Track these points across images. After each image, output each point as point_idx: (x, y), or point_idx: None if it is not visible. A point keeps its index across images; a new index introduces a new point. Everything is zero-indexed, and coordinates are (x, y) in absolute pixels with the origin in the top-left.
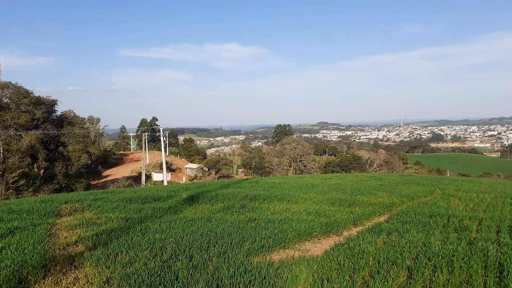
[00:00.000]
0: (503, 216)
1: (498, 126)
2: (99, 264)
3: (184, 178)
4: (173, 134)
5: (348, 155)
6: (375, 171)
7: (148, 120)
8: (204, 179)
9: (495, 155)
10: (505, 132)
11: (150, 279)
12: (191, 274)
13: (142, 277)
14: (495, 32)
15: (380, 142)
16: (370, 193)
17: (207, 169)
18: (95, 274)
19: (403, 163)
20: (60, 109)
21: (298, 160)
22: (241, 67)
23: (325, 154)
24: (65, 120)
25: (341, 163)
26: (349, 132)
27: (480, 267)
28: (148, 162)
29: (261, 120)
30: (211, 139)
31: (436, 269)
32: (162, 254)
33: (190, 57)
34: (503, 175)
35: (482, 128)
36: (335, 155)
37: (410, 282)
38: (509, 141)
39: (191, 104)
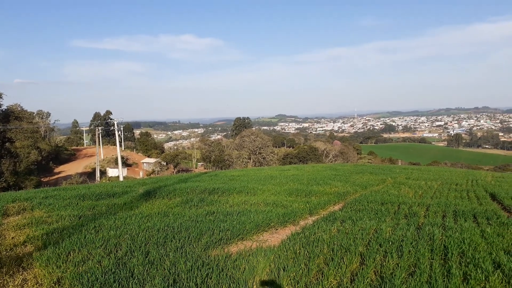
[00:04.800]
0: (449, 201)
1: (445, 116)
2: (49, 264)
3: (141, 173)
4: (129, 128)
5: (305, 147)
6: (331, 162)
7: (102, 114)
8: (162, 174)
9: (442, 144)
10: (451, 123)
11: (104, 277)
12: (147, 270)
13: (96, 276)
14: (441, 26)
15: (335, 134)
16: (325, 183)
17: (165, 164)
18: (45, 275)
19: (357, 154)
20: (5, 103)
21: (257, 153)
22: (198, 59)
23: (284, 146)
24: (12, 115)
25: (299, 154)
26: (306, 124)
27: (427, 251)
28: (102, 157)
29: (220, 113)
30: (169, 132)
31: (387, 254)
32: (117, 251)
33: (145, 48)
34: (449, 163)
35: (431, 119)
36: (293, 147)
37: (362, 268)
38: (454, 131)
39: (147, 97)
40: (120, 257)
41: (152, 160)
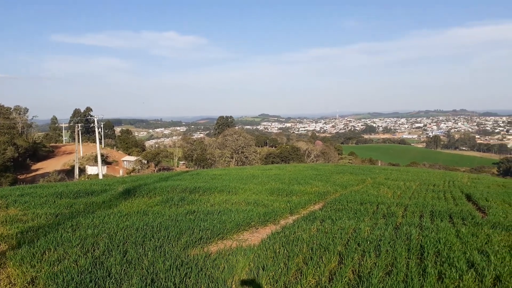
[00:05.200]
0: (426, 202)
1: (424, 118)
2: (23, 263)
3: (121, 171)
4: (109, 125)
5: (288, 147)
6: (313, 162)
7: (82, 110)
8: (142, 172)
9: (421, 146)
10: (430, 124)
11: (80, 277)
12: (124, 269)
13: (71, 275)
14: (422, 29)
15: (317, 134)
16: (306, 183)
17: (146, 162)
18: (18, 274)
19: (338, 154)
20: None
21: (240, 152)
22: (181, 56)
23: (266, 145)
24: None
25: (281, 154)
26: (288, 124)
27: (404, 250)
28: (82, 154)
29: (203, 111)
30: (150, 130)
31: (365, 254)
32: (94, 250)
33: (128, 44)
34: (428, 164)
35: (410, 121)
36: (275, 147)
37: (341, 267)
38: (433, 133)
39: (129, 94)
40: (97, 257)
41: (132, 158)
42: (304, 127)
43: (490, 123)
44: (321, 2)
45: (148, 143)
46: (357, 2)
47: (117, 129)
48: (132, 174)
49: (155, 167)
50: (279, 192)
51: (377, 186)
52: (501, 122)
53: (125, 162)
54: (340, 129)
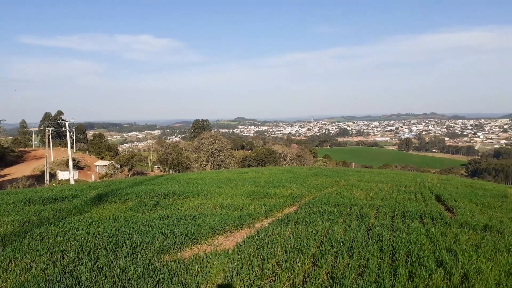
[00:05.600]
0: (398, 203)
1: (396, 121)
2: None
3: (93, 176)
4: (81, 129)
5: (264, 150)
6: (288, 165)
7: (53, 114)
8: (115, 177)
9: (393, 148)
10: (402, 127)
11: (48, 286)
12: (95, 277)
13: (39, 284)
14: (395, 35)
15: (293, 137)
16: (282, 186)
17: (119, 166)
18: None
19: (313, 157)
20: None
21: (216, 155)
22: (156, 60)
23: (242, 149)
24: None
25: (257, 157)
26: (264, 128)
27: (376, 251)
28: (53, 159)
29: (179, 114)
30: (124, 134)
31: (338, 255)
32: (63, 258)
33: (101, 47)
34: (400, 166)
35: (383, 124)
36: (251, 150)
37: (314, 269)
38: (405, 135)
39: (102, 97)
40: (67, 265)
41: (105, 162)
42: (280, 131)
43: (459, 126)
44: (296, 8)
45: (121, 147)
46: (331, 9)
47: (90, 133)
48: (105, 179)
49: (128, 172)
50: (254, 195)
51: (350, 188)
52: (468, 125)
53: (97, 166)
54: (315, 132)
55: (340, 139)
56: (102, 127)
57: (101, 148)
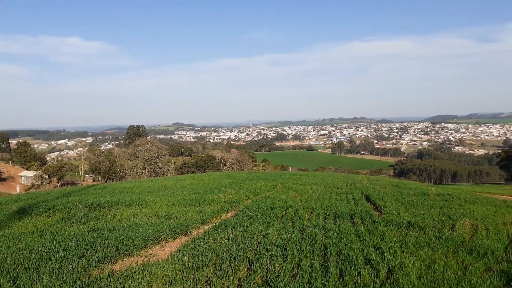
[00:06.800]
0: (330, 204)
1: (329, 126)
2: None
3: (17, 188)
4: (3, 137)
5: (203, 155)
6: (228, 170)
7: None
8: (43, 188)
9: (327, 151)
10: (334, 131)
11: None
12: None
13: None
14: (327, 42)
15: (232, 142)
16: (220, 191)
17: (47, 177)
18: None
19: (253, 161)
20: None
21: (152, 163)
22: (87, 63)
23: (181, 155)
24: None
25: (197, 163)
26: (204, 133)
27: (309, 252)
28: None
29: (112, 120)
30: (52, 142)
31: (273, 258)
32: None
33: (25, 50)
34: (333, 168)
35: (317, 128)
36: (191, 156)
37: (250, 274)
38: (337, 139)
39: (27, 103)
40: None
41: (31, 173)
42: (219, 136)
43: (386, 129)
44: (232, 14)
45: (49, 156)
46: (267, 16)
47: (13, 142)
48: (31, 190)
49: (57, 182)
50: (192, 202)
51: (286, 191)
52: (395, 128)
53: (22, 177)
54: (254, 137)
55: (277, 144)
56: (27, 134)
57: (26, 157)
